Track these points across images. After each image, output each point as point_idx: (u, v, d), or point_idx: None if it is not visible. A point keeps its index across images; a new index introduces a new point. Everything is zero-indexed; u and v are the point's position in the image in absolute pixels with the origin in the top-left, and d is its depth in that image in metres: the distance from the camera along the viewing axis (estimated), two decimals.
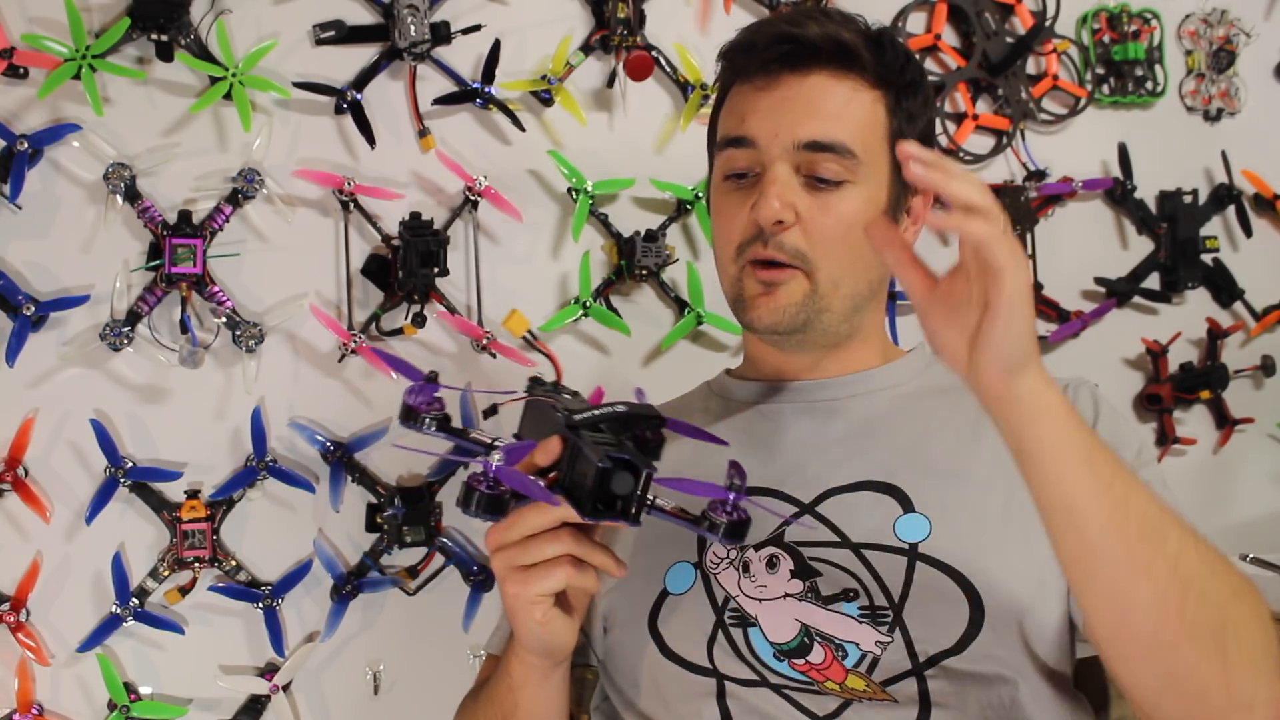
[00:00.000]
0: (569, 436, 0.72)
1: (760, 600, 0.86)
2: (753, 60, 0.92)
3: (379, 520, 1.33)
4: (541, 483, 0.71)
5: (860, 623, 0.83)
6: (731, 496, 0.72)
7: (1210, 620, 0.70)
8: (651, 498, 0.73)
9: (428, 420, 0.76)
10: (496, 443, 0.76)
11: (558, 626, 0.79)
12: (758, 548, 0.88)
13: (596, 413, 0.73)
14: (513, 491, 0.69)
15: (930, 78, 1.58)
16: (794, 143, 0.89)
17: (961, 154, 1.59)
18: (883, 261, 0.78)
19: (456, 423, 0.78)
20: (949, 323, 0.73)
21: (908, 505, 0.87)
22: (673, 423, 0.77)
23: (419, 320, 1.33)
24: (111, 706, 1.25)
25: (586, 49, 1.44)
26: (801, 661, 0.84)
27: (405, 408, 0.76)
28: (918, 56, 1.58)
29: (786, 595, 0.85)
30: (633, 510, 0.70)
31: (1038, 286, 1.58)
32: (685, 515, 0.74)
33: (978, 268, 0.69)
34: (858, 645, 0.83)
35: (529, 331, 0.76)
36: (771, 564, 0.87)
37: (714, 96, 1.00)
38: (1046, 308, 1.61)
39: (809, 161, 0.89)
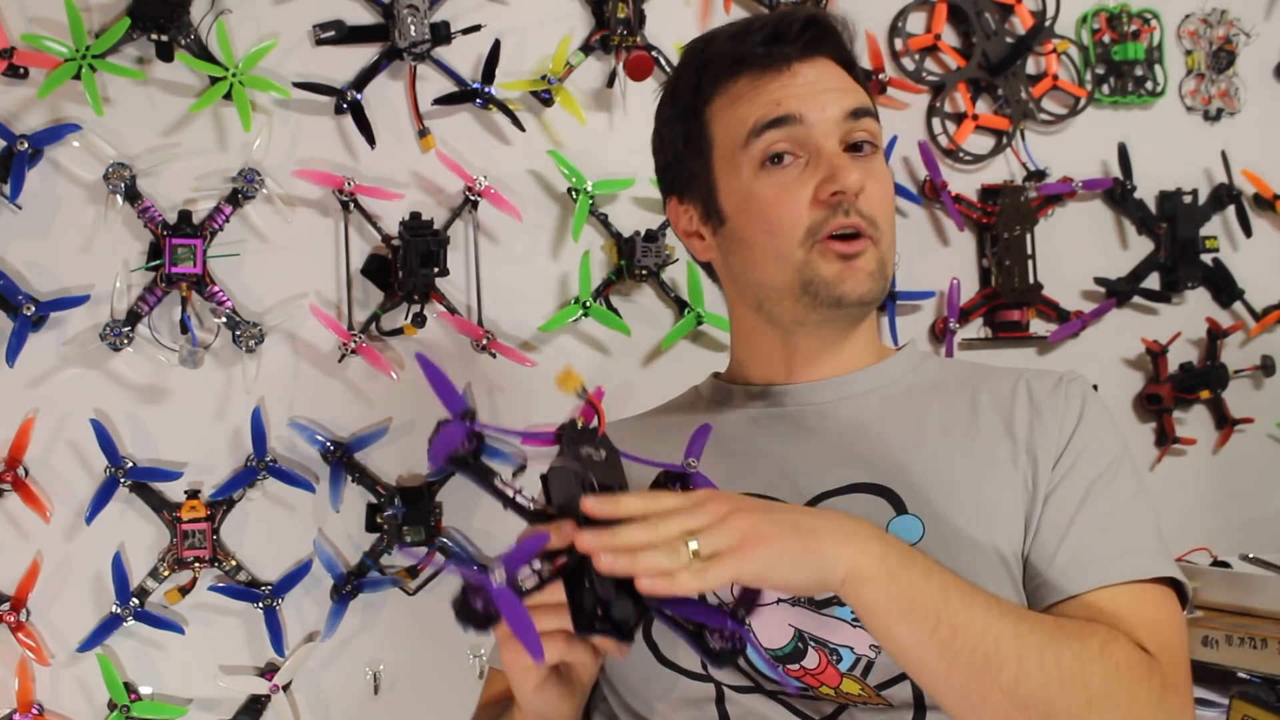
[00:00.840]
0: (575, 550, 0.68)
1: None
2: (772, 52, 0.92)
3: (379, 520, 1.33)
4: (546, 569, 0.68)
5: (854, 626, 0.83)
6: (730, 626, 0.70)
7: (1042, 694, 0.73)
8: (658, 607, 0.70)
9: (455, 461, 0.71)
10: (518, 497, 0.72)
11: (553, 696, 0.78)
12: None
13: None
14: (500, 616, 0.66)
15: (930, 78, 1.58)
16: (842, 112, 0.91)
17: (961, 154, 1.59)
18: None
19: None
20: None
21: (900, 507, 0.87)
22: (699, 479, 0.77)
23: (419, 320, 1.34)
24: (111, 706, 1.25)
25: (586, 49, 1.44)
26: (796, 667, 0.84)
27: (450, 458, 0.71)
28: (918, 55, 1.59)
29: (780, 601, 0.85)
30: (628, 632, 0.69)
31: (1038, 286, 1.58)
32: (685, 626, 0.71)
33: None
34: (852, 649, 0.83)
35: (582, 387, 0.75)
36: None
37: (679, 106, 0.97)
38: (1046, 308, 1.62)
39: (850, 130, 0.91)
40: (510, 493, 0.72)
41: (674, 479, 0.76)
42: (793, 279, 0.90)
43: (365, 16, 1.37)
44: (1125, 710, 0.74)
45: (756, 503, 0.74)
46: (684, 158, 0.98)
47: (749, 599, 0.73)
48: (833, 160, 0.89)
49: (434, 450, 0.70)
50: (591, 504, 0.67)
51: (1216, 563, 1.44)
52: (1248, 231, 1.71)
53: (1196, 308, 1.70)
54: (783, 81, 0.91)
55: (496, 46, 1.38)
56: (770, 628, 0.85)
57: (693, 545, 0.67)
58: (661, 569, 0.66)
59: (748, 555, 0.68)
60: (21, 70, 1.25)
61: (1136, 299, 1.66)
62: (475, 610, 0.65)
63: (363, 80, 1.36)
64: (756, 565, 0.68)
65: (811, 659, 0.83)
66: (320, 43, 1.35)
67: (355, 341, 1.32)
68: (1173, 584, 0.84)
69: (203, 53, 1.30)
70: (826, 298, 0.90)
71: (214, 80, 1.29)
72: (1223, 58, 1.71)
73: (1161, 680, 0.77)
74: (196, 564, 1.28)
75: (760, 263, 0.92)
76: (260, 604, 1.30)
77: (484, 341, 1.36)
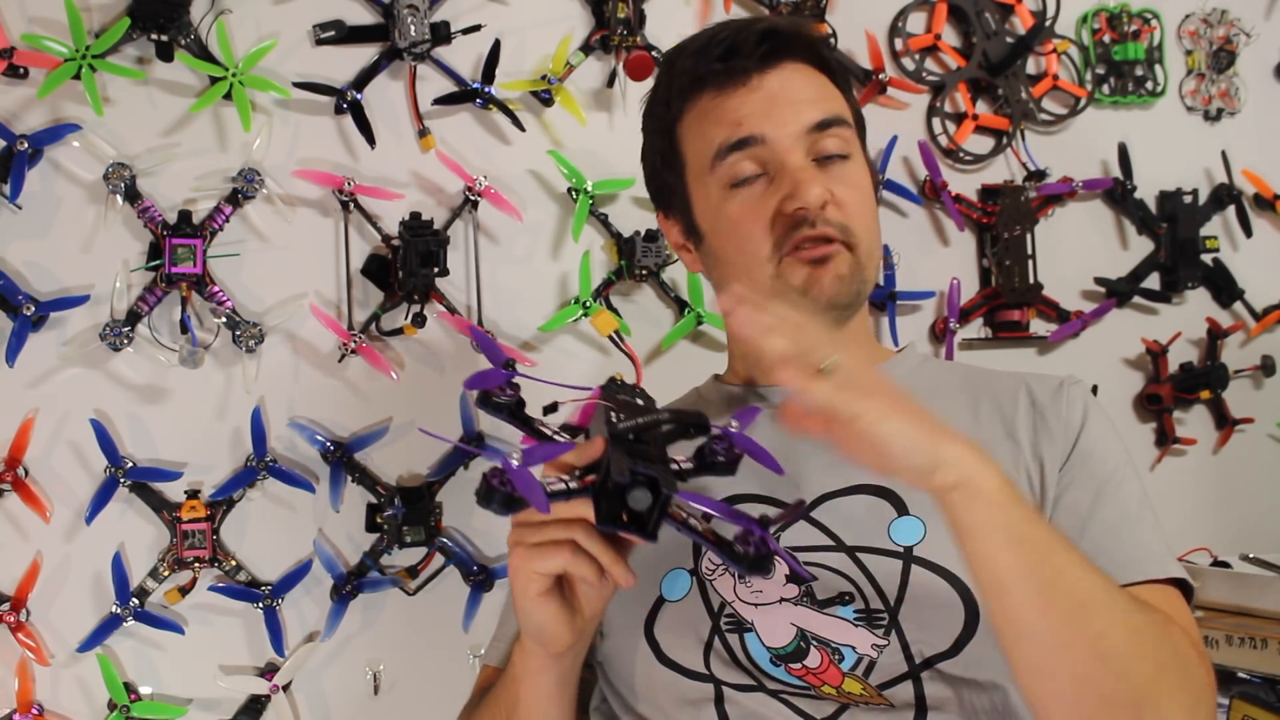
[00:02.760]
0: (607, 444, 0.72)
1: (756, 605, 0.86)
2: (731, 65, 0.92)
3: (379, 520, 1.33)
4: (574, 484, 0.71)
5: (856, 626, 0.83)
6: (757, 532, 0.71)
7: (1129, 697, 0.72)
8: (685, 515, 0.73)
9: (500, 405, 0.77)
10: (557, 435, 0.77)
11: (553, 610, 0.78)
12: None
13: (640, 421, 0.73)
14: (524, 498, 0.69)
15: (930, 78, 1.58)
16: (803, 128, 0.90)
17: (961, 154, 1.59)
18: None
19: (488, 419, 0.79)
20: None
21: (902, 508, 0.87)
22: (740, 439, 0.77)
23: (419, 320, 1.33)
24: (111, 706, 1.25)
25: (586, 49, 1.44)
26: (798, 666, 0.84)
27: (481, 392, 0.78)
28: (918, 55, 1.59)
29: (782, 600, 0.85)
30: (649, 526, 0.70)
31: (1038, 286, 1.58)
32: (712, 537, 0.73)
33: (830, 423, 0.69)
34: (854, 648, 0.83)
35: (615, 332, 0.77)
36: None
37: (655, 120, 0.98)
38: (1047, 308, 1.61)
39: (816, 143, 0.91)
40: (549, 431, 0.76)
41: (718, 440, 0.77)
42: (766, 294, 0.91)
43: (365, 16, 1.37)
44: (1182, 686, 0.74)
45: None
46: (662, 174, 0.99)
47: (792, 514, 0.73)
48: (795, 176, 0.89)
49: (472, 382, 0.76)
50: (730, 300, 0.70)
51: (1216, 563, 1.44)
52: (1248, 231, 1.71)
53: (1196, 308, 1.70)
54: (742, 97, 0.92)
55: (496, 46, 1.38)
56: (773, 627, 0.85)
57: (833, 359, 0.68)
58: (794, 360, 0.67)
59: (880, 407, 0.68)
60: (21, 70, 1.25)
61: (1137, 299, 1.66)
62: (493, 487, 0.68)
63: (363, 80, 1.36)
64: (882, 421, 0.68)
65: (814, 658, 0.83)
66: (320, 43, 1.35)
67: (355, 341, 1.32)
68: (1178, 585, 0.85)
69: (203, 53, 1.30)
70: (798, 304, 0.90)
71: (214, 80, 1.29)
72: (1223, 58, 1.71)
73: (1206, 670, 0.78)
74: (196, 564, 1.28)
75: (736, 279, 0.94)
76: (260, 604, 1.30)
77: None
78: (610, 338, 0.81)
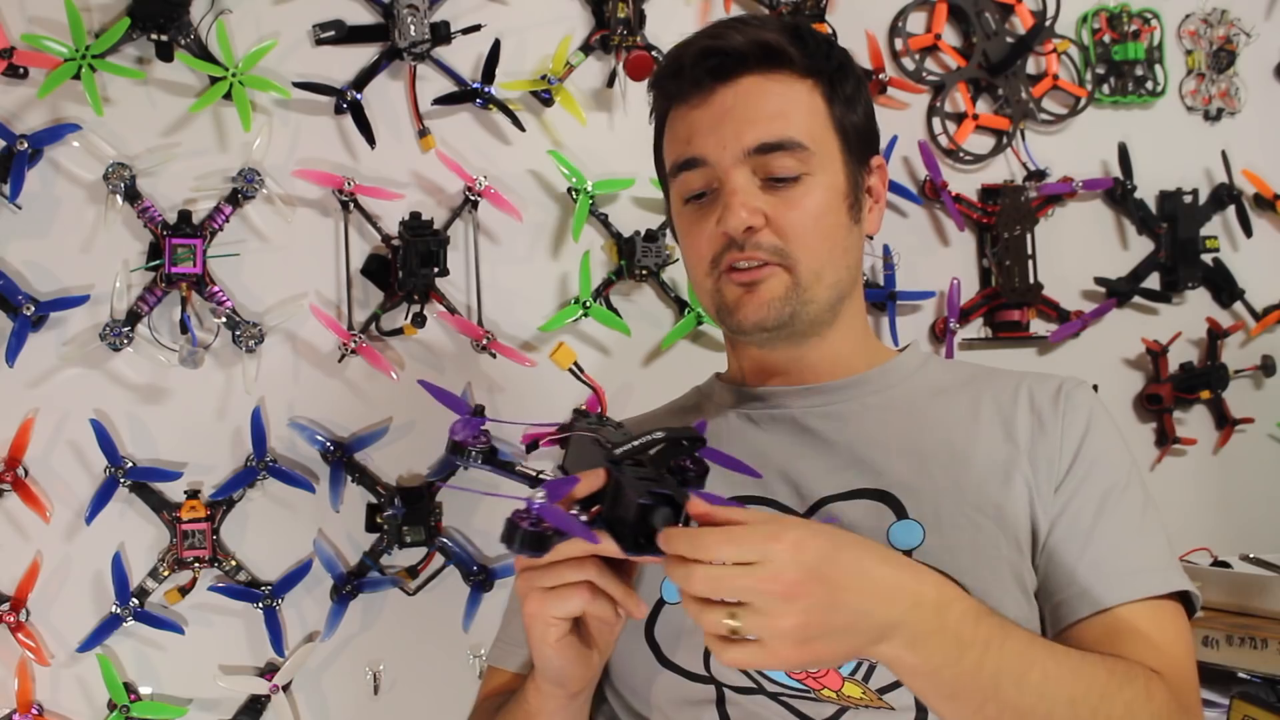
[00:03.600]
0: (611, 471, 0.72)
1: None
2: (683, 81, 0.92)
3: (379, 520, 1.33)
4: (584, 518, 0.71)
5: None
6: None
7: None
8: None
9: (474, 454, 0.76)
10: (542, 475, 0.77)
11: (572, 654, 0.78)
12: None
13: (637, 444, 0.73)
14: (555, 528, 0.69)
15: (930, 78, 1.58)
16: (743, 150, 0.89)
17: (961, 154, 1.59)
18: None
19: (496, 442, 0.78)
20: None
21: (901, 512, 0.87)
22: (710, 452, 0.77)
23: (419, 320, 1.34)
24: (111, 706, 1.25)
25: (586, 49, 1.44)
26: (798, 670, 0.84)
27: (452, 442, 0.77)
28: (918, 55, 1.58)
29: None
30: None
31: (1038, 286, 1.58)
32: None
33: None
34: None
35: (575, 364, 0.76)
36: None
37: (653, 128, 1.00)
38: (1047, 308, 1.61)
39: (763, 164, 0.89)
40: (534, 471, 0.76)
41: (691, 440, 0.77)
42: (710, 304, 0.94)
43: (365, 16, 1.37)
44: None
45: (826, 569, 0.67)
46: (661, 179, 1.02)
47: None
48: (727, 200, 0.89)
49: (453, 432, 0.75)
50: (673, 540, 0.68)
51: (1216, 563, 1.44)
52: (1248, 231, 1.71)
53: (1197, 308, 1.70)
54: (695, 112, 0.92)
55: (496, 46, 1.38)
56: None
57: (732, 624, 0.67)
58: (713, 633, 0.68)
59: (793, 655, 0.67)
60: (21, 70, 1.25)
61: (1137, 299, 1.66)
62: (523, 529, 0.68)
63: (363, 80, 1.36)
64: (801, 662, 0.68)
65: None
66: (320, 43, 1.35)
67: (355, 341, 1.32)
68: (1179, 595, 0.86)
69: (203, 53, 1.30)
70: (730, 324, 0.93)
71: (214, 80, 1.29)
72: (1223, 58, 1.71)
73: (1186, 715, 0.78)
74: (196, 564, 1.28)
75: (694, 287, 0.97)
76: (260, 604, 1.30)
77: (484, 341, 1.36)
78: (570, 370, 0.80)
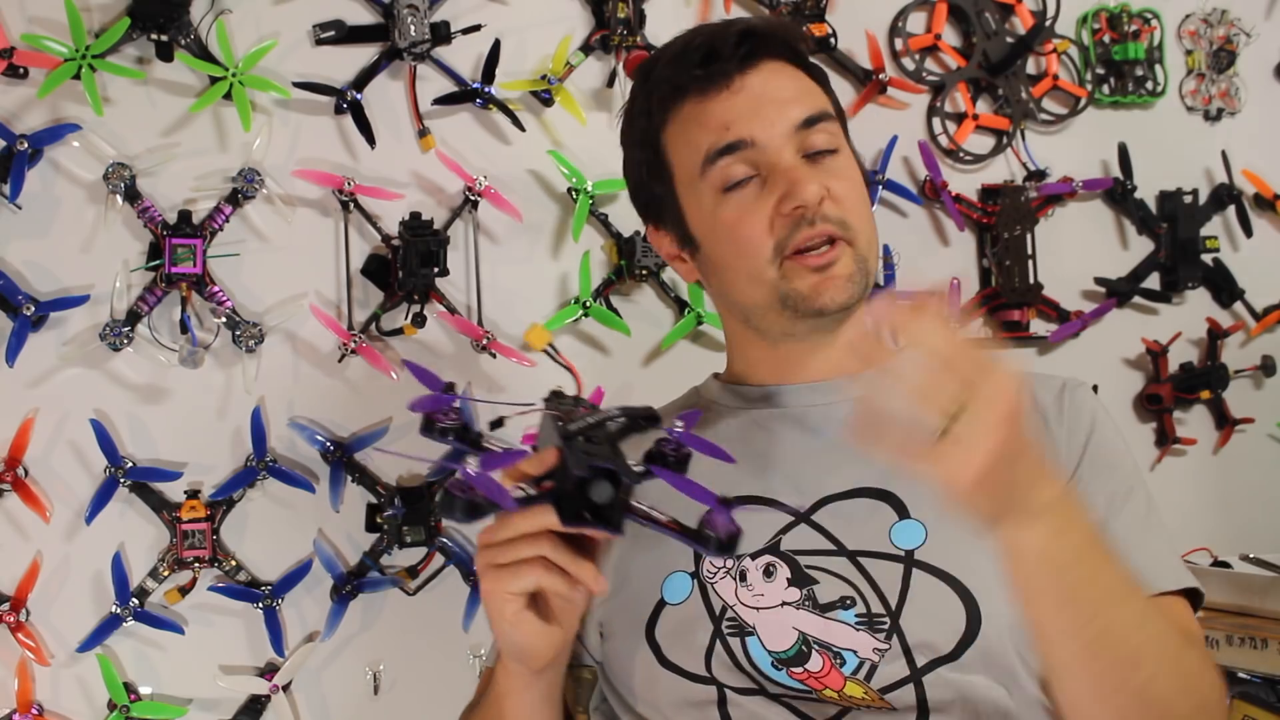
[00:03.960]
0: (561, 447, 0.72)
1: (758, 609, 0.86)
2: (711, 70, 0.91)
3: (379, 520, 1.33)
4: (533, 490, 0.72)
5: (858, 630, 0.83)
6: (720, 508, 0.72)
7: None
8: (648, 508, 0.73)
9: (445, 430, 0.76)
10: (508, 451, 0.77)
11: (530, 630, 0.77)
12: (754, 556, 0.87)
13: (590, 421, 0.73)
14: (487, 498, 0.70)
15: (930, 78, 1.58)
16: (791, 126, 0.89)
17: (961, 154, 1.59)
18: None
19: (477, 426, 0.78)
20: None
21: (903, 511, 0.87)
22: (686, 436, 0.77)
23: (419, 320, 1.33)
24: (111, 706, 1.25)
25: (586, 49, 1.44)
26: (800, 670, 0.84)
27: (425, 418, 0.77)
28: (918, 55, 1.59)
29: (784, 604, 0.85)
30: (613, 519, 0.70)
31: (1038, 286, 1.57)
32: (676, 527, 0.74)
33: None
34: (855, 653, 0.83)
35: (550, 345, 0.77)
36: (768, 572, 0.86)
37: (636, 132, 0.97)
38: (1047, 308, 1.61)
39: (804, 140, 0.90)
40: (499, 448, 0.76)
41: (664, 441, 0.77)
42: (770, 296, 0.90)
43: (365, 16, 1.37)
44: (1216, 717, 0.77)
45: (1019, 426, 0.66)
46: (650, 185, 0.98)
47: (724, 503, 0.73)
48: (789, 175, 0.88)
49: (416, 405, 0.76)
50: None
51: (1216, 563, 1.44)
52: (1248, 231, 1.71)
53: (1197, 308, 1.70)
54: (726, 100, 0.91)
55: (496, 46, 1.38)
56: (774, 630, 0.85)
57: (946, 423, 0.64)
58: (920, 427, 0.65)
59: (978, 471, 0.64)
60: (21, 70, 1.25)
61: (1137, 299, 1.66)
62: (454, 496, 0.69)
63: (363, 80, 1.36)
64: (975, 480, 0.64)
65: (815, 662, 0.83)
66: (320, 43, 1.35)
67: (355, 341, 1.32)
68: (1187, 593, 0.87)
69: (203, 53, 1.30)
70: (807, 310, 0.90)
71: (214, 80, 1.29)
72: (1223, 58, 1.71)
73: (1224, 691, 0.81)
74: (196, 564, 1.28)
75: (737, 283, 0.93)
76: (260, 604, 1.30)
77: (484, 341, 1.36)
78: (545, 351, 0.80)
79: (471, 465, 0.69)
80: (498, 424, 0.83)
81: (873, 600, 0.84)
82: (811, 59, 0.95)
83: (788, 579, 0.86)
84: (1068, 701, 0.75)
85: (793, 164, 0.89)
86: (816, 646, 0.83)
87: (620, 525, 0.71)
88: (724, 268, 0.94)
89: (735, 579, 0.87)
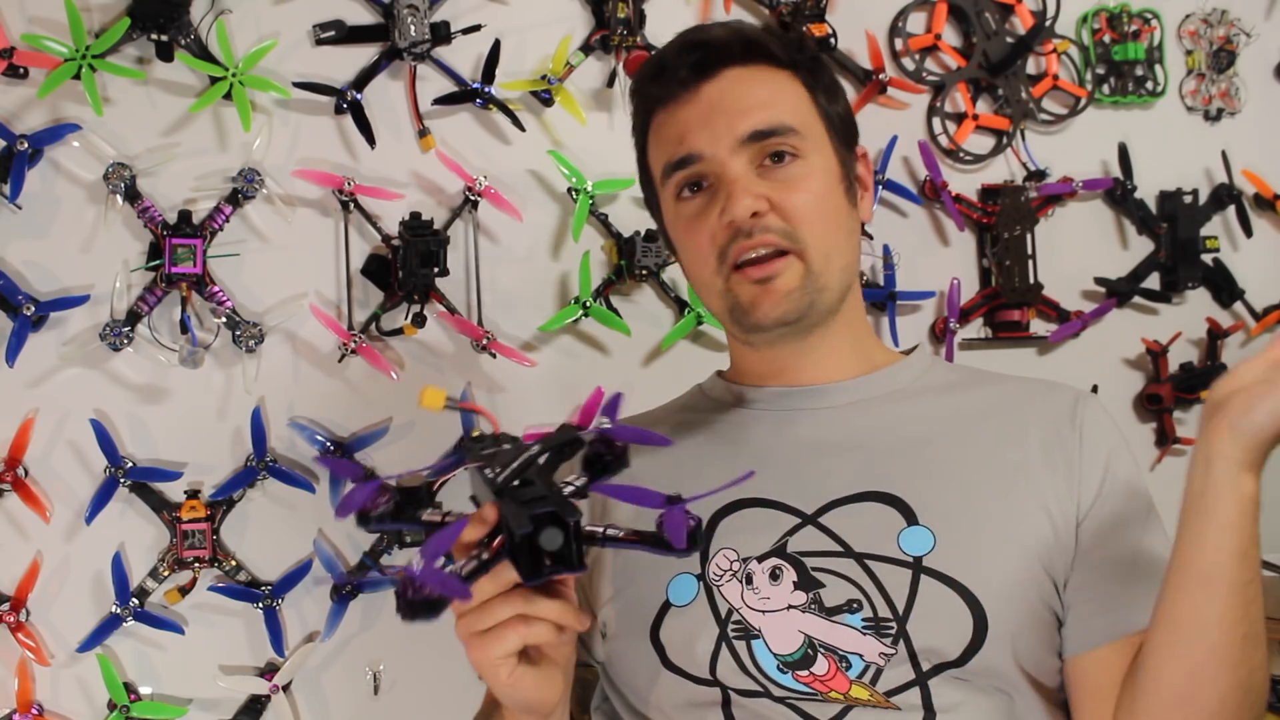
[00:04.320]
0: (499, 504, 0.71)
1: (763, 612, 0.85)
2: (667, 81, 0.92)
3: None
4: (485, 556, 0.70)
5: (864, 634, 0.83)
6: (673, 508, 0.70)
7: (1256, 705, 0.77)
8: (602, 530, 0.73)
9: (378, 519, 0.76)
10: (448, 519, 0.75)
11: (529, 683, 0.77)
12: (760, 559, 0.87)
13: (515, 466, 0.72)
14: (443, 596, 0.68)
15: (930, 78, 1.58)
16: (737, 139, 0.89)
17: (961, 154, 1.59)
18: None
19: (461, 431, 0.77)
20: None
21: (911, 518, 0.86)
22: (619, 429, 0.75)
23: (419, 320, 1.33)
24: (111, 706, 1.25)
25: (586, 49, 1.44)
26: (805, 673, 0.83)
27: (357, 514, 0.76)
28: (918, 55, 1.58)
29: (790, 607, 0.85)
30: (573, 559, 0.69)
31: (1038, 286, 1.58)
32: (637, 538, 0.72)
33: None
34: (861, 656, 0.83)
35: (449, 399, 0.76)
36: (774, 575, 0.86)
37: (635, 138, 0.99)
38: (1047, 308, 1.61)
39: (758, 152, 0.89)
40: (439, 517, 0.76)
41: (597, 443, 0.76)
42: (721, 305, 0.92)
43: (365, 16, 1.37)
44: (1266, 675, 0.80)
45: None
46: (644, 187, 1.01)
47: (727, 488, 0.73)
48: (728, 188, 0.88)
49: (342, 509, 0.74)
50: None
51: None
52: (1248, 231, 1.71)
53: (1197, 308, 1.70)
54: (685, 110, 0.91)
55: (496, 46, 1.38)
56: (780, 633, 0.84)
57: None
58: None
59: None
60: (21, 70, 1.25)
61: (1137, 299, 1.66)
62: (408, 600, 0.67)
63: (363, 80, 1.36)
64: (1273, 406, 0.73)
65: (821, 665, 0.83)
66: (320, 43, 1.35)
67: (355, 341, 1.32)
68: None
69: (203, 53, 1.30)
70: (746, 323, 0.91)
71: (214, 80, 1.29)
72: (1223, 58, 1.71)
73: None
74: (196, 564, 1.28)
75: (700, 290, 0.95)
76: (260, 604, 1.30)
77: (484, 341, 1.36)
78: (447, 406, 0.79)
79: (415, 562, 0.67)
80: (429, 491, 0.81)
81: (880, 605, 0.84)
82: (797, 55, 0.93)
83: (794, 582, 0.85)
84: (1186, 661, 0.76)
85: (735, 176, 0.89)
86: (822, 650, 0.83)
87: (580, 562, 0.69)
88: (689, 275, 0.97)
89: (741, 581, 0.87)
